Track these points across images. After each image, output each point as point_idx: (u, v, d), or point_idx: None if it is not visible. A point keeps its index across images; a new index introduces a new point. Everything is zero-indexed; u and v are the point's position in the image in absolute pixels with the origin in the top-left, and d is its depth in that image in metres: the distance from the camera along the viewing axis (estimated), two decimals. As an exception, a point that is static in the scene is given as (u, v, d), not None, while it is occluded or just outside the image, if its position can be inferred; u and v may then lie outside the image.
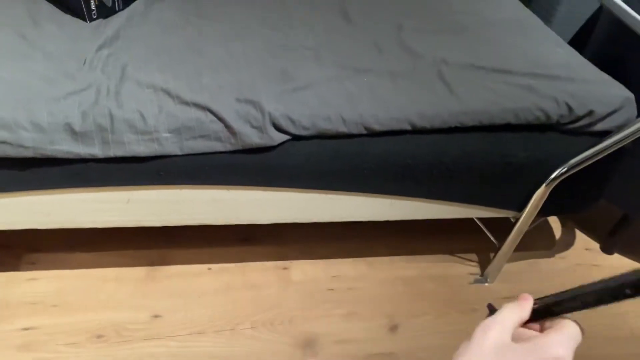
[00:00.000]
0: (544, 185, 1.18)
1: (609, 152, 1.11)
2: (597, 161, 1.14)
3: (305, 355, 1.21)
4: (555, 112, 1.09)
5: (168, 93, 1.01)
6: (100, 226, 1.14)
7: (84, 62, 1.08)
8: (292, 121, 1.02)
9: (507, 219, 1.31)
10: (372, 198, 1.20)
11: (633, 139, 1.09)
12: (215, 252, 1.41)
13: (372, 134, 1.07)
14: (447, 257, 1.49)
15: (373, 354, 1.23)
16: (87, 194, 1.07)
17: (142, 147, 0.99)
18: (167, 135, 0.99)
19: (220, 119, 0.99)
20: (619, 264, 1.49)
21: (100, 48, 1.12)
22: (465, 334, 0.42)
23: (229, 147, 1.02)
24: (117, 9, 1.26)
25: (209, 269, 1.38)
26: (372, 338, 1.27)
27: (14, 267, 1.33)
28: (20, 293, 1.28)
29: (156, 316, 1.25)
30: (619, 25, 1.12)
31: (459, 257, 1.49)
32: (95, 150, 0.98)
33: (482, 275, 1.43)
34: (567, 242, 1.56)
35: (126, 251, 1.38)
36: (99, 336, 1.20)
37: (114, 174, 1.04)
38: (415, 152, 1.11)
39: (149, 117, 0.98)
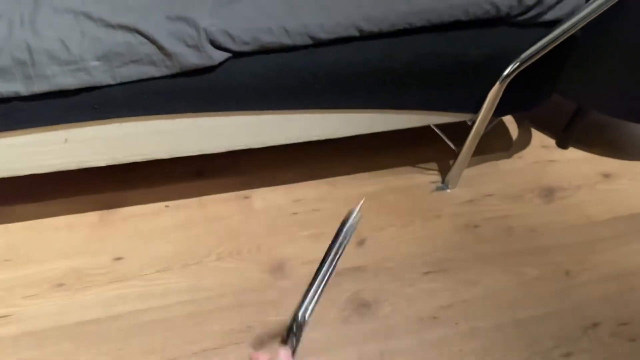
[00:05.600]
0: (497, 83, 1.16)
1: (559, 41, 1.09)
2: (548, 54, 1.12)
3: (275, 279, 1.21)
4: (504, 3, 1.05)
5: (89, 17, 0.92)
6: (39, 171, 1.06)
7: (-11, -9, 0.96)
8: (231, 36, 0.95)
9: (465, 124, 1.30)
10: (326, 114, 1.15)
11: (582, 25, 1.07)
12: (171, 188, 1.36)
13: (319, 43, 1.01)
14: (408, 168, 1.48)
15: (343, 269, 1.24)
16: (17, 137, 0.99)
17: (70, 79, 0.91)
18: (96, 63, 0.91)
19: (151, 40, 0.91)
20: (573, 157, 1.52)
21: (5, -26, 1.00)
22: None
23: (165, 72, 0.95)
24: None
25: (166, 206, 1.33)
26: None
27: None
28: (-32, 252, 1.21)
29: (118, 258, 1.22)
30: None
31: (420, 167, 1.49)
32: (18, 86, 0.90)
33: (443, 182, 1.44)
34: (524, 141, 1.58)
35: (75, 197, 1.31)
36: (60, 285, 1.16)
37: (44, 112, 0.96)
38: (366, 59, 1.06)
39: (72, 44, 0.89)
